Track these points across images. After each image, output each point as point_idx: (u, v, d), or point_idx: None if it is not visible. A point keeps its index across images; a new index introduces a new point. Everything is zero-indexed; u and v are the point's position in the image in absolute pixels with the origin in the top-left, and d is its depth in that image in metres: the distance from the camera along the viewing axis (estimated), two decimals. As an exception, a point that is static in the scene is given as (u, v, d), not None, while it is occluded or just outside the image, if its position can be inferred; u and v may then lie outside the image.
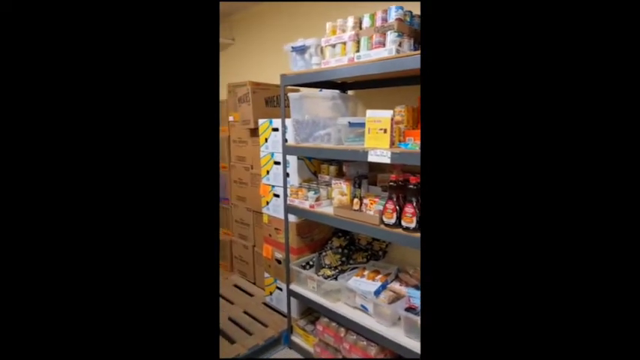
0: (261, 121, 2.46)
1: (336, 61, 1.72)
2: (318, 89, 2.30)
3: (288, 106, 2.03)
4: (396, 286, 1.79)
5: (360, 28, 1.69)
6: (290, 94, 2.01)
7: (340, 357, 1.88)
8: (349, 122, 1.74)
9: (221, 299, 2.63)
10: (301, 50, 1.91)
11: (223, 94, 3.15)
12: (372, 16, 1.63)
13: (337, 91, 2.26)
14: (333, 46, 1.75)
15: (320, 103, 2.00)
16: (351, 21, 1.70)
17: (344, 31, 1.72)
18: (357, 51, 1.66)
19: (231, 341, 2.12)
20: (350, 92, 2.37)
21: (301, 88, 2.42)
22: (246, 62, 3.58)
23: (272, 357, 2.12)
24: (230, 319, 2.35)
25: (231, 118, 2.97)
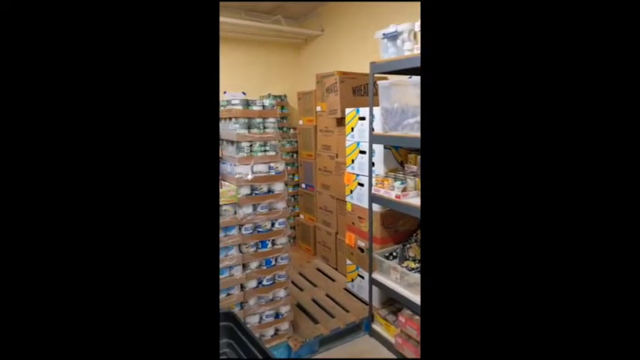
0: (347, 110, 2.49)
1: (430, 45, 1.64)
2: (408, 76, 2.23)
3: (377, 95, 2.01)
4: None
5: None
6: (379, 82, 1.99)
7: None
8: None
9: (304, 281, 2.76)
10: (393, 37, 1.87)
11: (312, 85, 3.25)
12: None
13: (428, 77, 2.15)
14: (427, 29, 1.67)
15: (409, 91, 1.93)
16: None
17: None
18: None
19: (315, 321, 2.22)
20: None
21: (389, 76, 2.37)
22: (335, 52, 3.63)
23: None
24: (313, 300, 2.47)
25: (318, 109, 3.06)
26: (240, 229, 1.84)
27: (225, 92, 2.48)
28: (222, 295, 1.81)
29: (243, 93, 2.22)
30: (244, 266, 1.88)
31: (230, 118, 1.88)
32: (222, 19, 3.21)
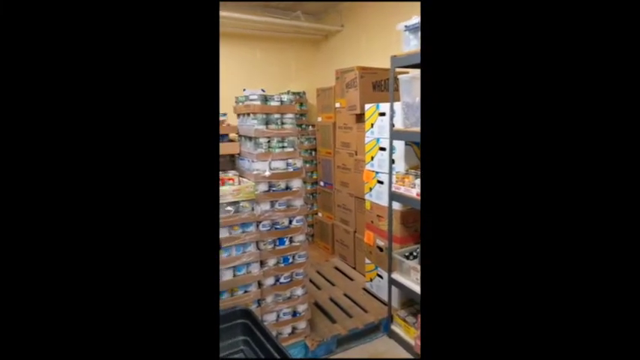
0: (367, 106, 2.43)
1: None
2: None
3: (397, 89, 1.95)
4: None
5: None
6: (400, 76, 1.93)
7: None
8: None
9: (322, 279, 2.73)
10: (415, 29, 1.81)
11: (331, 82, 3.21)
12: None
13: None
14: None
15: (432, 85, 1.86)
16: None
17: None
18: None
19: (332, 320, 2.19)
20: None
21: (411, 70, 2.30)
22: (354, 48, 3.57)
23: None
24: (331, 299, 2.43)
25: (337, 105, 3.01)
26: (257, 225, 1.82)
27: (244, 90, 2.48)
28: (239, 292, 1.81)
29: (263, 90, 2.21)
30: (262, 263, 1.87)
31: (248, 114, 1.87)
32: (239, 15, 3.22)
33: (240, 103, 1.97)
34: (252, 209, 1.79)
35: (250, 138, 1.87)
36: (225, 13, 3.09)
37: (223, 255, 1.72)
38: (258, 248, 1.85)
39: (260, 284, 1.87)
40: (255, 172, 1.81)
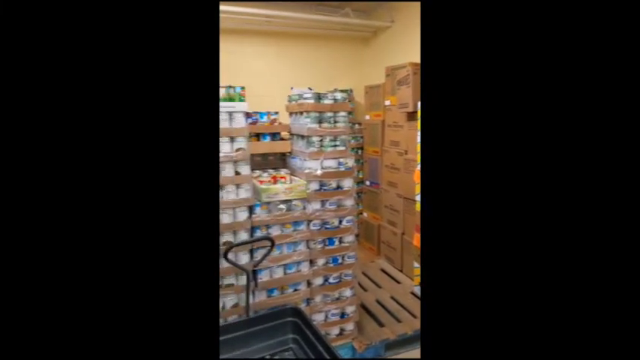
0: (420, 103, 2.34)
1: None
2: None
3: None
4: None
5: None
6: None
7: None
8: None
9: (368, 281, 2.68)
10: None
11: (379, 79, 3.14)
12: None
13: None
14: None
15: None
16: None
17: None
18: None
19: (380, 324, 2.14)
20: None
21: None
22: (405, 44, 3.46)
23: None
24: (377, 301, 2.38)
25: (387, 102, 2.94)
26: (308, 224, 1.81)
27: (292, 88, 2.49)
28: (289, 290, 1.81)
29: (310, 89, 2.21)
30: (311, 262, 1.86)
31: (301, 113, 1.86)
32: (289, 14, 3.23)
33: (293, 102, 1.97)
34: (304, 208, 1.79)
35: (303, 136, 1.86)
36: (274, 12, 3.13)
37: (275, 252, 1.73)
38: (308, 247, 1.84)
39: (309, 283, 1.87)
40: (306, 171, 1.80)
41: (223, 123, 1.60)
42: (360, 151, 3.52)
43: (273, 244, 1.55)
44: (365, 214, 3.46)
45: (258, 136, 1.98)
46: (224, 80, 1.69)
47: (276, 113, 2.14)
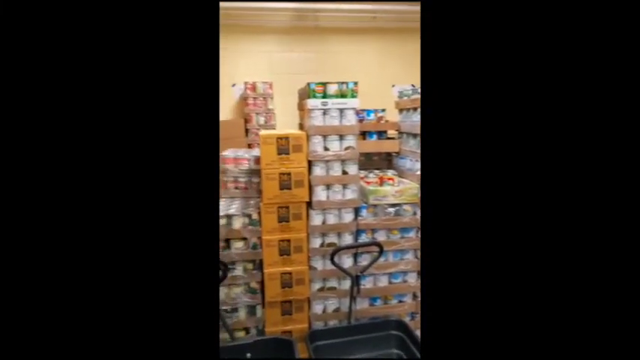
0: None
1: None
2: None
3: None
4: None
5: None
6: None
7: None
8: None
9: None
10: None
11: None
12: None
13: None
14: None
15: None
16: None
17: None
18: None
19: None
20: None
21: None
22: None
23: None
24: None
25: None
26: (418, 232, 1.66)
27: (393, 86, 2.35)
28: (393, 301, 1.69)
29: (413, 86, 2.04)
30: (419, 274, 1.70)
31: (415, 109, 1.71)
32: (394, 7, 3.09)
33: (405, 97, 1.83)
34: (414, 213, 1.63)
35: (415, 135, 1.71)
36: (376, 7, 3.02)
37: (380, 259, 1.62)
38: (417, 257, 1.68)
39: (415, 296, 1.71)
40: (418, 173, 1.64)
41: (333, 120, 1.55)
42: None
43: (381, 251, 1.45)
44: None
45: (364, 134, 1.89)
46: (334, 79, 1.65)
47: (383, 110, 2.03)
